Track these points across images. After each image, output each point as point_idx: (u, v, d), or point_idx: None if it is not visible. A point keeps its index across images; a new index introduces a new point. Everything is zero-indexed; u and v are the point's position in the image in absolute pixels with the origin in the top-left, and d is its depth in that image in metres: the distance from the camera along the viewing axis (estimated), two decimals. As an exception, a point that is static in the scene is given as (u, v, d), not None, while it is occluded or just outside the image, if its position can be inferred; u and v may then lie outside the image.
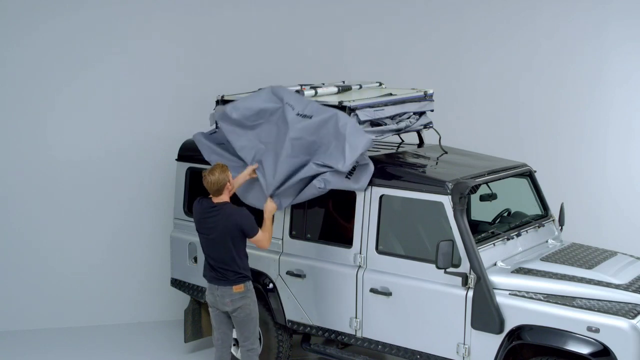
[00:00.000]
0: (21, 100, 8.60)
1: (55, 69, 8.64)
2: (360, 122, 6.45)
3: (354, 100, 6.50)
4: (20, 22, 8.49)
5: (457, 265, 5.89)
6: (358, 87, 7.65)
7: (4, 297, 8.74)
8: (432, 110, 7.29)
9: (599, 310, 5.43)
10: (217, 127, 7.22)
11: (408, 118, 7.02)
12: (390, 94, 7.06)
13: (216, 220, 6.13)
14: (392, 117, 6.83)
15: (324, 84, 7.63)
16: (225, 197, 6.19)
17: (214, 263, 6.23)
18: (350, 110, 6.40)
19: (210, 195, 6.22)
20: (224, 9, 9.16)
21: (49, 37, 8.59)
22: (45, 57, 8.61)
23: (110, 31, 8.78)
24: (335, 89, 7.17)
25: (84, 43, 8.70)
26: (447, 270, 5.81)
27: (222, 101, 7.21)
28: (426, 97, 7.27)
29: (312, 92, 6.82)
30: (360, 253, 6.49)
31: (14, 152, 8.64)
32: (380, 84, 7.93)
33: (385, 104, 6.80)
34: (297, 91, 6.59)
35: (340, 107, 6.42)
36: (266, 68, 9.13)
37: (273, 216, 6.53)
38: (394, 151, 7.20)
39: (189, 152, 7.84)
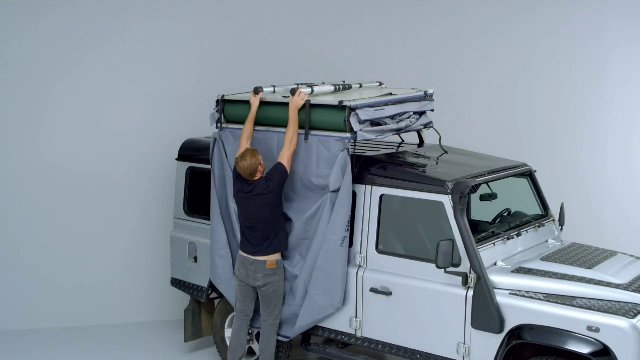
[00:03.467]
0: (19, 100, 8.60)
1: (55, 68, 8.65)
2: (361, 122, 6.45)
3: (354, 100, 6.50)
4: (18, 20, 8.49)
5: (457, 265, 5.89)
6: (358, 86, 7.65)
7: (5, 296, 8.74)
8: (432, 110, 7.29)
9: (599, 310, 5.43)
10: (217, 127, 7.22)
11: (408, 118, 7.01)
12: (391, 94, 7.06)
13: (252, 197, 6.52)
14: (392, 117, 6.83)
15: (324, 83, 7.63)
16: (258, 177, 6.55)
17: (250, 237, 6.59)
18: (351, 110, 6.40)
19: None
20: (224, 9, 9.17)
21: (47, 36, 8.60)
22: (43, 57, 8.62)
23: (110, 31, 8.79)
24: (332, 88, 7.20)
25: (84, 43, 8.71)
26: (448, 270, 5.81)
27: (222, 101, 7.21)
28: (426, 97, 7.27)
29: (309, 90, 6.81)
30: (361, 253, 6.49)
31: (13, 152, 8.64)
32: (381, 84, 7.93)
33: (386, 104, 6.80)
34: (293, 90, 6.64)
35: (341, 106, 6.42)
36: (266, 68, 9.13)
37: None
38: (394, 151, 7.20)
39: (189, 152, 7.85)
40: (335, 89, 7.26)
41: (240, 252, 6.71)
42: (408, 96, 7.10)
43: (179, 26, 9.04)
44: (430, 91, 7.32)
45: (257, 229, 6.54)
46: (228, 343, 7.46)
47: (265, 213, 6.50)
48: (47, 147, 8.72)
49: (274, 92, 7.16)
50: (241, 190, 6.58)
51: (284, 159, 6.49)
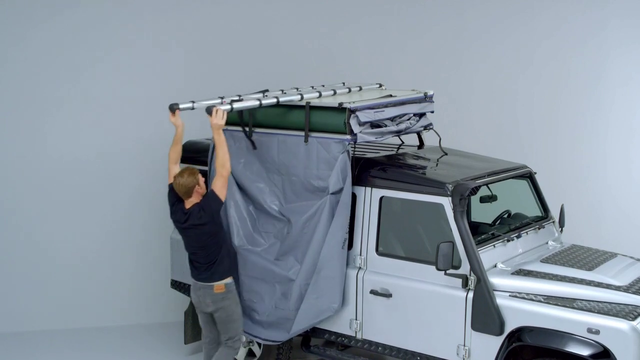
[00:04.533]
0: (19, 102, 8.61)
1: (55, 70, 8.65)
2: (361, 124, 6.45)
3: (354, 102, 6.49)
4: (19, 23, 8.49)
5: (457, 267, 5.89)
6: (358, 88, 7.64)
7: (5, 298, 8.74)
8: (432, 112, 7.28)
9: (599, 312, 5.43)
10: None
11: (408, 119, 7.01)
12: (390, 95, 7.05)
13: (189, 227, 6.26)
14: (392, 119, 6.83)
15: (323, 86, 7.63)
16: (195, 199, 6.27)
17: (195, 262, 6.39)
18: (350, 112, 6.39)
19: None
20: (223, 11, 9.17)
21: (47, 38, 8.60)
22: (43, 59, 8.62)
23: (110, 33, 8.80)
24: (257, 102, 6.59)
25: (84, 45, 8.71)
26: (447, 271, 5.81)
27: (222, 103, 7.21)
28: (426, 98, 7.27)
29: (228, 107, 6.35)
30: (361, 254, 6.49)
31: (14, 155, 8.65)
32: (380, 86, 7.92)
33: (386, 106, 6.80)
34: (209, 109, 6.22)
35: (340, 108, 6.42)
36: (266, 70, 9.13)
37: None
38: (394, 153, 7.19)
39: (189, 153, 7.83)
40: (259, 99, 6.71)
41: (192, 278, 6.55)
42: (408, 97, 7.10)
43: (180, 28, 9.03)
44: (430, 92, 7.31)
45: (199, 256, 6.34)
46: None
47: (204, 241, 6.28)
48: (46, 150, 8.72)
49: (193, 108, 6.70)
50: (177, 221, 6.34)
51: (217, 185, 6.22)
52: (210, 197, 6.23)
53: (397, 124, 6.86)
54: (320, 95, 6.92)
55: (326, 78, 8.46)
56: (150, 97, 8.93)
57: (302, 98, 6.74)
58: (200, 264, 6.36)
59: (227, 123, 7.10)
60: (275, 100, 6.65)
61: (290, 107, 6.76)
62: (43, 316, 8.81)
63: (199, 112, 8.34)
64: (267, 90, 7.49)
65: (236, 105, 6.47)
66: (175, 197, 6.35)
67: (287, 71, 9.15)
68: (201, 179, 6.29)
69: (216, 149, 6.25)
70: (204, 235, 6.26)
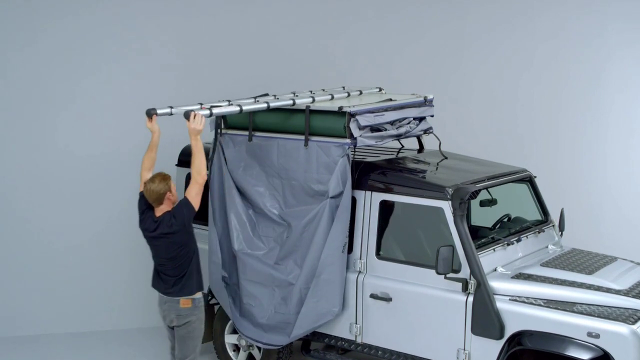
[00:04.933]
0: (20, 106, 8.61)
1: (55, 74, 8.66)
2: (360, 128, 6.45)
3: (354, 106, 6.50)
4: (23, 29, 8.52)
5: (457, 271, 5.89)
6: (358, 92, 7.65)
7: (6, 302, 8.73)
8: (432, 116, 7.29)
9: (599, 316, 5.43)
10: (217, 132, 7.22)
11: (408, 123, 7.02)
12: (390, 100, 7.06)
13: (158, 237, 5.95)
14: (392, 123, 6.83)
15: (323, 90, 7.63)
16: (166, 207, 5.98)
17: (162, 274, 6.07)
18: (350, 116, 6.40)
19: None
20: (223, 15, 9.18)
21: (48, 43, 8.61)
22: (45, 63, 8.63)
23: (110, 37, 8.80)
24: (238, 109, 6.46)
25: (84, 48, 8.71)
26: (447, 275, 5.81)
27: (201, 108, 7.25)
28: (426, 102, 7.28)
29: (207, 112, 6.20)
30: (361, 258, 6.48)
31: (14, 159, 8.64)
32: (380, 90, 7.93)
33: (386, 110, 6.80)
34: (187, 113, 6.03)
35: (340, 112, 6.42)
36: (265, 73, 9.14)
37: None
38: (394, 157, 7.20)
39: (188, 157, 7.79)
40: (240, 104, 6.58)
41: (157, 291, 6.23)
42: (408, 102, 7.11)
43: (180, 30, 9.05)
44: (430, 97, 7.31)
45: (167, 268, 6.01)
46: (228, 349, 7.48)
47: (174, 252, 5.94)
48: (47, 152, 8.71)
49: (171, 113, 6.52)
50: (146, 229, 6.00)
51: (191, 193, 5.91)
52: (182, 204, 5.92)
53: (396, 128, 6.87)
54: (313, 101, 6.86)
55: (326, 81, 8.47)
56: (151, 102, 8.90)
57: (294, 103, 6.73)
58: (168, 276, 6.03)
59: (230, 127, 7.14)
60: (265, 105, 6.59)
61: (291, 111, 6.76)
62: (43, 320, 8.80)
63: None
64: (266, 94, 7.49)
65: (215, 111, 6.31)
66: (146, 205, 6.04)
67: (288, 74, 9.15)
68: (173, 186, 6.02)
69: (193, 155, 5.97)
70: (174, 245, 5.92)
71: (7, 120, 8.63)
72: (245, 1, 9.29)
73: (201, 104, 6.63)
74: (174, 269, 5.99)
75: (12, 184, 8.66)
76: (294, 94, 7.32)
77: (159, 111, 6.35)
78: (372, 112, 6.62)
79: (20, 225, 8.73)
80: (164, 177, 5.97)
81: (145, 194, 5.99)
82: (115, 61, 8.84)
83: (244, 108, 6.49)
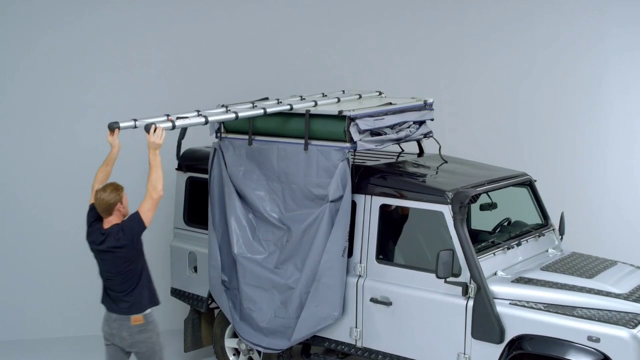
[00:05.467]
0: (20, 110, 8.62)
1: (55, 77, 8.67)
2: (360, 132, 6.45)
3: (353, 110, 6.50)
4: (20, 40, 8.55)
5: (457, 275, 5.88)
6: (357, 97, 7.66)
7: (7, 306, 8.73)
8: (432, 119, 7.29)
9: (599, 320, 5.42)
10: (217, 137, 7.22)
11: (408, 127, 7.02)
12: (390, 104, 7.07)
13: (105, 250, 5.66)
14: (392, 127, 6.83)
15: (324, 94, 7.63)
16: (115, 219, 5.71)
17: (109, 291, 5.78)
18: (350, 120, 6.40)
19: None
20: (224, 18, 9.20)
21: (48, 48, 8.64)
22: (43, 67, 8.64)
23: (110, 41, 8.83)
24: (203, 120, 6.34)
25: (84, 53, 8.73)
26: (448, 279, 5.80)
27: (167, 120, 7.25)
28: (426, 106, 7.28)
29: (169, 124, 6.02)
30: (361, 262, 6.48)
31: (14, 163, 8.65)
32: (380, 94, 7.94)
33: (385, 113, 6.80)
34: (147, 126, 5.76)
35: (340, 116, 6.42)
36: (265, 77, 9.15)
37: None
38: (394, 160, 7.20)
39: (188, 161, 7.85)
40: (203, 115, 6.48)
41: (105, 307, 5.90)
42: (408, 105, 7.11)
43: (179, 34, 9.06)
44: (430, 100, 7.32)
45: (114, 283, 5.70)
46: (228, 353, 7.47)
47: (121, 267, 5.65)
48: (47, 156, 8.72)
49: (135, 126, 6.20)
50: (93, 242, 5.70)
51: (144, 207, 5.63)
52: (133, 219, 5.64)
53: (396, 132, 6.86)
54: (315, 104, 6.89)
55: (326, 85, 8.46)
56: (151, 106, 8.92)
57: (291, 108, 6.72)
58: (115, 292, 5.71)
59: (229, 131, 7.14)
60: (234, 115, 6.47)
61: (290, 115, 6.77)
62: (44, 324, 8.82)
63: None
64: (266, 98, 7.50)
65: (179, 123, 6.10)
66: (95, 217, 5.76)
67: (287, 79, 9.16)
68: (125, 198, 5.75)
69: (150, 169, 5.67)
70: (120, 260, 5.63)
71: (13, 122, 8.67)
72: (245, 6, 9.30)
73: (168, 115, 6.36)
74: (121, 284, 5.68)
75: (15, 189, 8.68)
76: (300, 97, 7.35)
77: (122, 124, 6.05)
78: (372, 116, 6.62)
79: (21, 227, 8.74)
80: (116, 188, 5.73)
81: (95, 203, 5.72)
82: (114, 67, 8.87)
83: (210, 119, 6.36)
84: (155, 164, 5.70)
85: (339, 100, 7.30)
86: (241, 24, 9.25)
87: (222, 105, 7.13)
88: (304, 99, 7.23)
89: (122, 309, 5.71)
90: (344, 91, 7.94)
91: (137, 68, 8.94)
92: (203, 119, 6.32)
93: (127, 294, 5.70)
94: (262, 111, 6.65)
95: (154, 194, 5.65)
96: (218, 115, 6.52)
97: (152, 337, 5.79)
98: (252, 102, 7.20)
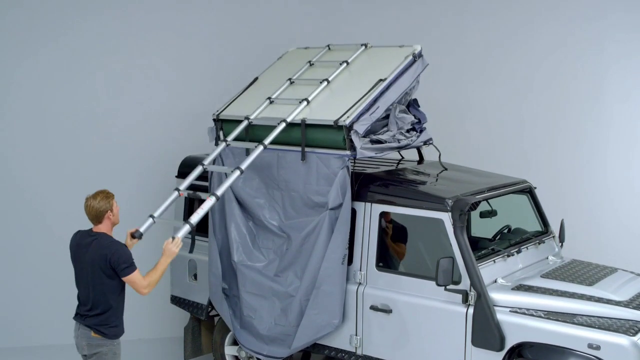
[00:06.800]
0: (20, 114, 8.64)
1: (55, 82, 8.68)
2: (361, 136, 6.42)
3: (347, 117, 6.38)
4: (21, 47, 8.59)
5: (457, 283, 5.88)
6: (344, 64, 7.19)
7: (9, 313, 8.72)
8: (427, 65, 6.95)
9: (599, 328, 5.42)
10: (216, 144, 7.23)
11: (411, 125, 6.94)
12: (381, 80, 6.72)
13: (87, 251, 5.60)
14: (389, 110, 6.70)
15: (310, 63, 7.50)
16: (104, 228, 5.68)
17: (81, 299, 5.72)
18: (348, 130, 6.36)
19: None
20: (224, 25, 9.23)
21: (48, 56, 8.66)
22: (43, 74, 8.66)
23: (110, 47, 8.84)
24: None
25: (84, 57, 8.74)
26: (448, 287, 5.80)
27: (218, 120, 7.24)
28: (415, 58, 6.97)
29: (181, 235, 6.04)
30: (361, 270, 6.48)
31: (15, 169, 8.66)
32: (365, 46, 7.46)
33: (376, 99, 6.58)
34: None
35: (337, 126, 6.38)
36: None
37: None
38: (393, 168, 7.20)
39: (189, 168, 7.82)
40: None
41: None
42: (398, 71, 6.78)
43: (180, 41, 9.08)
44: (418, 49, 6.98)
45: (86, 289, 5.64)
46: (228, 361, 7.49)
47: (96, 277, 5.57)
48: (47, 160, 8.72)
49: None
50: (79, 244, 5.68)
51: (134, 279, 5.63)
52: (126, 271, 5.61)
53: (397, 136, 6.82)
54: (307, 103, 6.77)
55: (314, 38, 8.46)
56: (149, 113, 8.98)
57: (286, 123, 6.62)
58: (85, 299, 5.69)
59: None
60: (238, 171, 6.39)
61: (290, 123, 6.73)
62: (43, 331, 8.80)
63: (199, 128, 8.45)
64: (256, 79, 7.56)
65: (194, 220, 6.12)
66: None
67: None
68: (115, 207, 5.72)
69: (156, 271, 5.74)
70: (100, 270, 5.59)
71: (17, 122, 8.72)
72: (245, 10, 9.32)
73: (178, 190, 6.59)
74: (94, 296, 5.62)
75: (15, 194, 8.70)
76: (288, 80, 7.27)
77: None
78: (367, 110, 6.47)
79: (24, 237, 8.75)
80: (106, 195, 5.68)
81: (85, 210, 5.68)
82: (114, 73, 8.90)
83: (219, 193, 6.28)
84: (163, 268, 5.76)
85: (328, 83, 7.01)
86: (243, 30, 9.28)
87: (216, 120, 7.22)
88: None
89: (86, 319, 5.69)
90: (329, 46, 7.69)
91: (135, 76, 8.96)
92: (213, 198, 6.25)
93: (93, 309, 5.68)
94: (261, 147, 6.57)
95: (144, 290, 5.67)
96: (225, 185, 6.37)
97: (108, 354, 5.68)
98: (247, 117, 7.07)
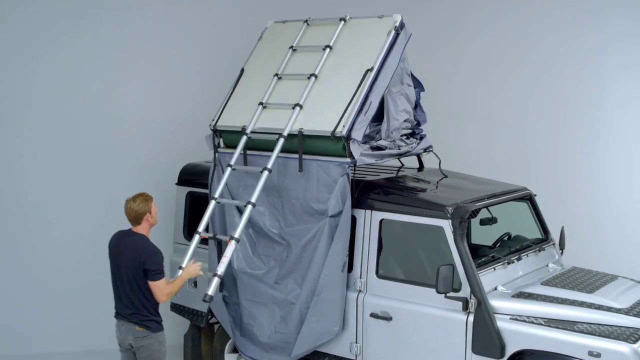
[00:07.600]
0: (21, 120, 8.66)
1: (54, 91, 8.69)
2: (360, 142, 6.42)
3: (343, 126, 6.33)
4: (21, 51, 8.60)
5: (457, 290, 5.87)
6: (327, 49, 6.95)
7: (10, 321, 8.72)
8: (411, 35, 6.75)
9: (600, 335, 5.41)
10: (216, 151, 7.23)
11: (406, 122, 6.93)
12: (370, 70, 6.57)
13: (125, 249, 5.89)
14: (383, 101, 6.67)
15: (293, 48, 7.40)
16: (143, 228, 5.97)
17: (120, 296, 6.02)
18: (347, 140, 6.34)
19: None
20: (225, 31, 9.24)
21: (46, 65, 8.68)
22: (42, 82, 8.67)
23: (111, 52, 8.85)
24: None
25: (85, 62, 8.76)
26: (448, 294, 5.79)
27: (215, 131, 7.25)
28: (398, 31, 6.75)
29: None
30: (361, 277, 6.47)
31: (17, 176, 8.68)
32: (344, 20, 7.13)
33: (367, 95, 6.49)
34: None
35: (335, 137, 6.38)
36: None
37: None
38: (393, 175, 7.20)
39: (188, 176, 7.86)
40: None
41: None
42: (383, 54, 6.62)
43: (180, 47, 9.10)
44: (398, 19, 6.72)
45: (124, 287, 5.96)
46: (228, 368, 7.49)
47: (133, 274, 5.87)
48: (48, 165, 8.73)
49: (209, 277, 6.31)
50: (119, 242, 5.97)
51: (159, 286, 5.89)
52: (156, 277, 5.86)
53: (397, 140, 6.82)
54: (301, 108, 6.67)
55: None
56: (149, 120, 8.98)
57: (284, 136, 6.57)
58: (126, 294, 6.00)
59: (228, 146, 7.15)
60: (248, 210, 6.38)
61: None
62: (42, 338, 8.79)
63: (199, 136, 8.44)
64: (242, 70, 7.50)
65: (219, 271, 6.16)
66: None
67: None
68: (154, 209, 6.01)
69: (174, 286, 5.97)
70: (130, 268, 5.90)
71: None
72: (244, 13, 9.35)
73: (198, 233, 6.60)
74: (135, 291, 5.93)
75: (16, 197, 8.70)
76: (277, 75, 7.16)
77: (210, 293, 6.11)
78: (361, 110, 6.41)
79: (25, 243, 8.74)
80: (145, 198, 5.99)
81: (125, 212, 5.98)
82: (114, 79, 8.91)
83: (236, 235, 6.26)
84: (181, 283, 6.04)
85: (316, 78, 6.84)
86: (243, 35, 9.24)
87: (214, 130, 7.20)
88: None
89: (132, 315, 6.04)
90: (307, 21, 7.42)
91: (135, 82, 8.98)
92: (234, 242, 6.27)
93: (135, 306, 6.03)
94: (266, 173, 6.52)
95: (164, 298, 5.95)
96: (241, 225, 6.34)
97: (154, 345, 6.04)
98: (243, 128, 7.02)
